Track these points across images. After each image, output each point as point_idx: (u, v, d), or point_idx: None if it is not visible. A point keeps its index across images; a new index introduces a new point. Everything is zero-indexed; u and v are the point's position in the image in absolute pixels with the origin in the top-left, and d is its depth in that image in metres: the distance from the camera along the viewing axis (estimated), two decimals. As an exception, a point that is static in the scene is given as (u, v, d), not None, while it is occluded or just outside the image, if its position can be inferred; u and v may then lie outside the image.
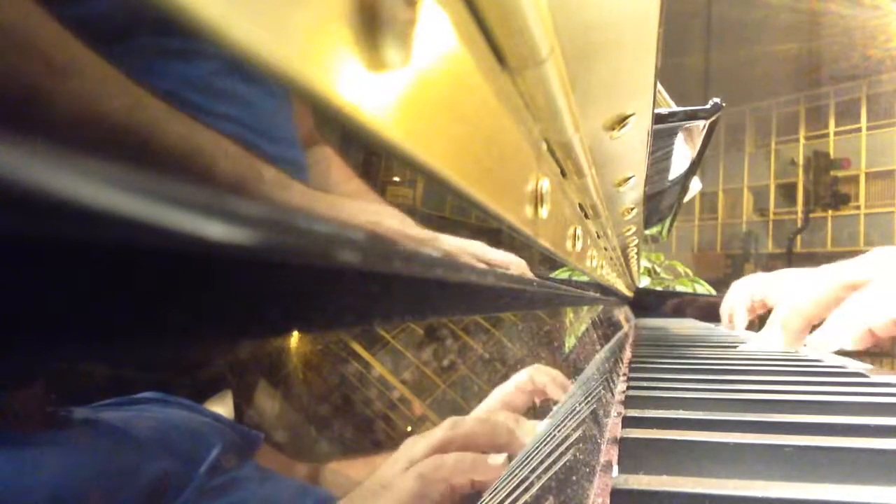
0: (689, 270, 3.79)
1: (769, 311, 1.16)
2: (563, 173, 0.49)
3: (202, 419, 0.14)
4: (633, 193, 0.83)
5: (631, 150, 0.60)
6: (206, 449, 0.14)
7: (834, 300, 0.89)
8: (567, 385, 0.49)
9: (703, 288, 3.50)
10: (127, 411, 0.12)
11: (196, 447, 0.14)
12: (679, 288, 3.37)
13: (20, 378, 0.10)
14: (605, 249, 1.03)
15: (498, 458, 0.29)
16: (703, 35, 8.74)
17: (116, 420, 0.12)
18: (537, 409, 0.40)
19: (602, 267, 1.01)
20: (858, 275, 0.87)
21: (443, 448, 0.25)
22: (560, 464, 0.32)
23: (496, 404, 0.34)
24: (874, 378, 0.75)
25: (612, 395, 0.62)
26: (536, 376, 0.42)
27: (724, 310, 1.44)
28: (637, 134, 0.54)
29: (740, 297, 1.36)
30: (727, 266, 10.08)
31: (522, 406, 0.38)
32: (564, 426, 0.39)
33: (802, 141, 10.11)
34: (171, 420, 0.14)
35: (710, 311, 2.07)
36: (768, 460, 0.41)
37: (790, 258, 9.17)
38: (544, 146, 0.40)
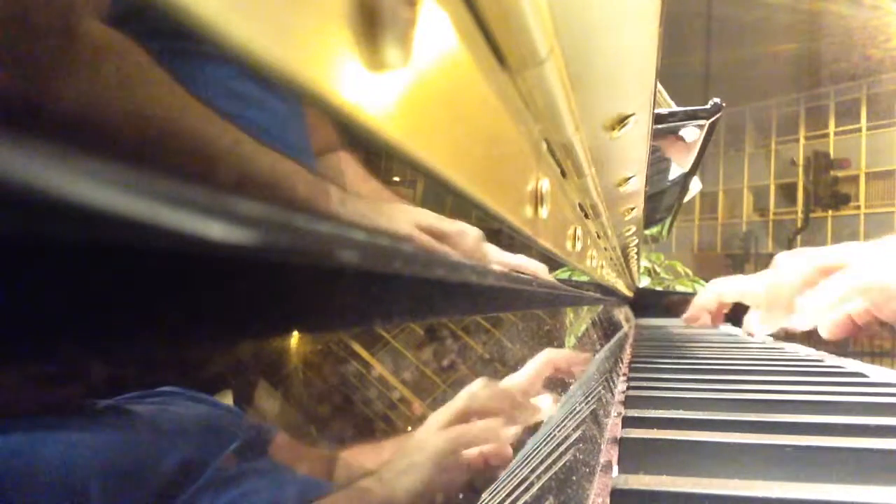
0: (689, 270, 3.78)
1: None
2: (563, 173, 0.49)
3: (219, 413, 0.15)
4: (633, 193, 0.83)
5: (631, 150, 0.60)
6: (222, 441, 0.15)
7: (810, 283, 0.87)
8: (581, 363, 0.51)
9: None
10: (147, 404, 0.13)
11: (213, 439, 0.14)
12: (679, 288, 3.36)
13: (28, 374, 0.10)
14: (605, 249, 1.03)
15: (517, 428, 0.30)
16: (703, 35, 8.74)
17: (138, 412, 0.13)
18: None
19: (602, 267, 1.01)
20: (834, 259, 0.86)
21: (465, 416, 0.26)
22: (560, 464, 0.32)
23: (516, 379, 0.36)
24: (874, 378, 0.75)
25: (612, 395, 0.62)
26: (555, 358, 0.43)
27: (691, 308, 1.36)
28: (637, 134, 0.54)
29: (703, 298, 1.30)
30: (727, 266, 10.07)
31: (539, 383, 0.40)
32: (564, 426, 0.39)
33: (802, 141, 10.11)
34: (189, 413, 0.14)
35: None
36: (768, 460, 0.41)
37: (790, 258, 9.14)
38: (544, 146, 0.40)
